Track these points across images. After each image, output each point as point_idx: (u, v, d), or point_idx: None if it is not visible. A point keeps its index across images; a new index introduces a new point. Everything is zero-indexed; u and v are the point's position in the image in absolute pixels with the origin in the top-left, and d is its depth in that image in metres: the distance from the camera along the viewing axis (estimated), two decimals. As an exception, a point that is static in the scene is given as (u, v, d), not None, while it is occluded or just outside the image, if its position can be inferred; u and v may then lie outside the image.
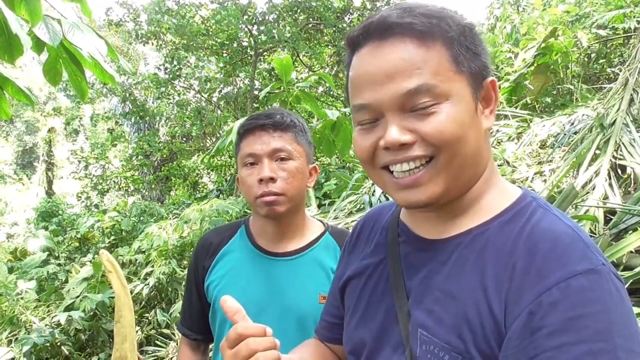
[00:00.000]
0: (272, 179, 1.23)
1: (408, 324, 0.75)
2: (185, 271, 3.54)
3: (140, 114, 11.67)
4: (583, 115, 4.49)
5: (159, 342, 4.14)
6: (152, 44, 11.22)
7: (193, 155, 12.81)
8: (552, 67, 6.14)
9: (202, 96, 12.04)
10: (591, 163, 3.23)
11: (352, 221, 3.54)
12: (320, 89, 10.90)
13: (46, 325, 4.23)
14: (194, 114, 11.45)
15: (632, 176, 3.06)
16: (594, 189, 2.92)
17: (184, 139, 13.13)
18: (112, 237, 6.95)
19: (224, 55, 11.20)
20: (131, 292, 3.94)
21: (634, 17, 5.98)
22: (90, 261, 5.67)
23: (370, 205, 3.77)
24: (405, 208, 0.83)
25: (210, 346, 1.47)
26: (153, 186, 12.59)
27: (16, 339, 4.06)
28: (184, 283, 3.87)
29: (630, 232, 2.27)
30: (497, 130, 5.14)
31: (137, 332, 4.22)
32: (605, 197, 2.79)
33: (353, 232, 1.00)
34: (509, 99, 6.22)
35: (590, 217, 2.46)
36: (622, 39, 6.30)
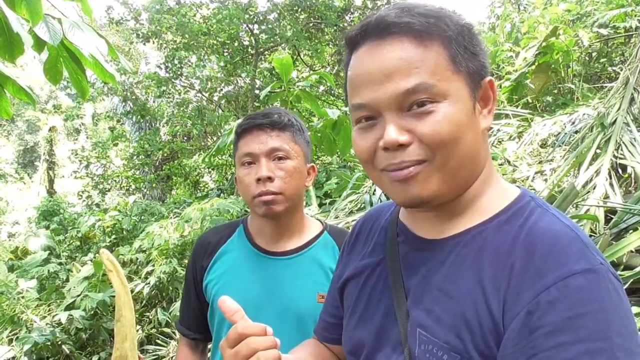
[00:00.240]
0: (270, 179, 1.23)
1: (407, 323, 0.75)
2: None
3: (142, 113, 11.65)
4: (584, 114, 4.48)
5: (159, 341, 4.15)
6: (153, 42, 11.20)
7: (194, 155, 12.80)
8: (553, 66, 6.13)
9: (203, 95, 12.02)
10: (592, 162, 3.23)
11: (353, 220, 3.54)
12: (321, 88, 10.88)
13: (47, 324, 4.24)
14: (195, 113, 11.44)
15: (632, 175, 3.06)
16: (594, 188, 2.91)
17: (185, 138, 13.10)
18: (113, 236, 6.94)
19: (225, 54, 11.19)
20: (132, 291, 3.95)
21: (635, 16, 5.96)
22: (91, 260, 5.68)
23: (371, 204, 3.77)
24: (404, 206, 0.83)
25: (209, 345, 1.48)
26: (154, 185, 12.57)
27: (17, 337, 4.07)
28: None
29: (630, 231, 2.27)
30: (498, 130, 5.14)
31: (137, 331, 4.22)
32: (606, 197, 2.79)
33: (352, 232, 1.00)
34: (510, 98, 6.21)
35: (591, 217, 2.46)
36: (623, 38, 6.28)
